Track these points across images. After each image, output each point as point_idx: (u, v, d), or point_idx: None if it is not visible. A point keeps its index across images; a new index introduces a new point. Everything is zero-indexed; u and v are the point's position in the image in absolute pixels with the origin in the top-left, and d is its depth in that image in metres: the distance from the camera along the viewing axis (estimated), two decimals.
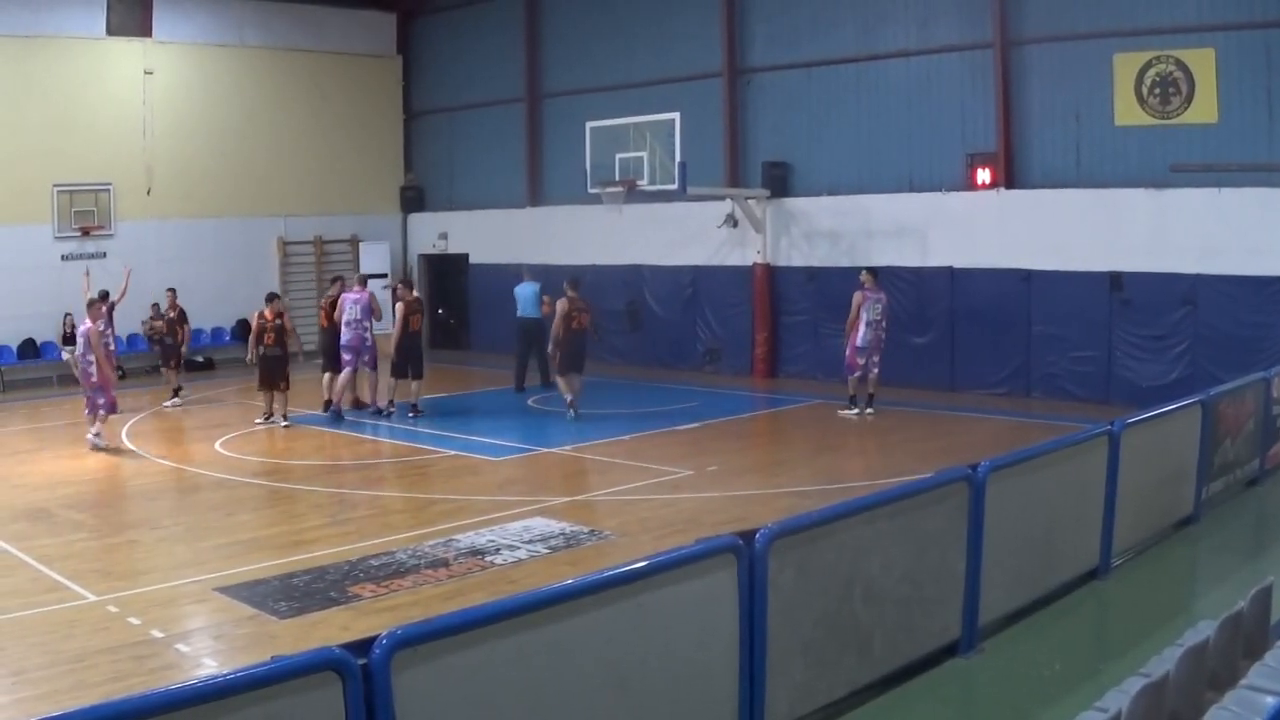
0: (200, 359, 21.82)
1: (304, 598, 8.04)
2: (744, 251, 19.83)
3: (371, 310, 15.97)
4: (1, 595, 8.12)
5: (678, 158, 17.24)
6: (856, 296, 15.36)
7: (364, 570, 8.69)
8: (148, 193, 21.80)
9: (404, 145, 25.92)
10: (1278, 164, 14.35)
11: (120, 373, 17.93)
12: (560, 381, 15.71)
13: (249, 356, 15.76)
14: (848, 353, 15.50)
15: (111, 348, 16.24)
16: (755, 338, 19.62)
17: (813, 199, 19.11)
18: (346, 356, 15.80)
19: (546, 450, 13.77)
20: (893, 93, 18.16)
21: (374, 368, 16.10)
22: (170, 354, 18.04)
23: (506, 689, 4.15)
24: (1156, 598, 7.82)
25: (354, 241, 24.70)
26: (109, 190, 21.40)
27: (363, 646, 3.74)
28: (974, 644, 6.51)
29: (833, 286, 18.01)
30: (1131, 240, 15.64)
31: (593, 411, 15.80)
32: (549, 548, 9.33)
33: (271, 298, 15.93)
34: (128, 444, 14.17)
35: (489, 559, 8.99)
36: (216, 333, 22.86)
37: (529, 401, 17.26)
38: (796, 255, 19.38)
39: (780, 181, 19.38)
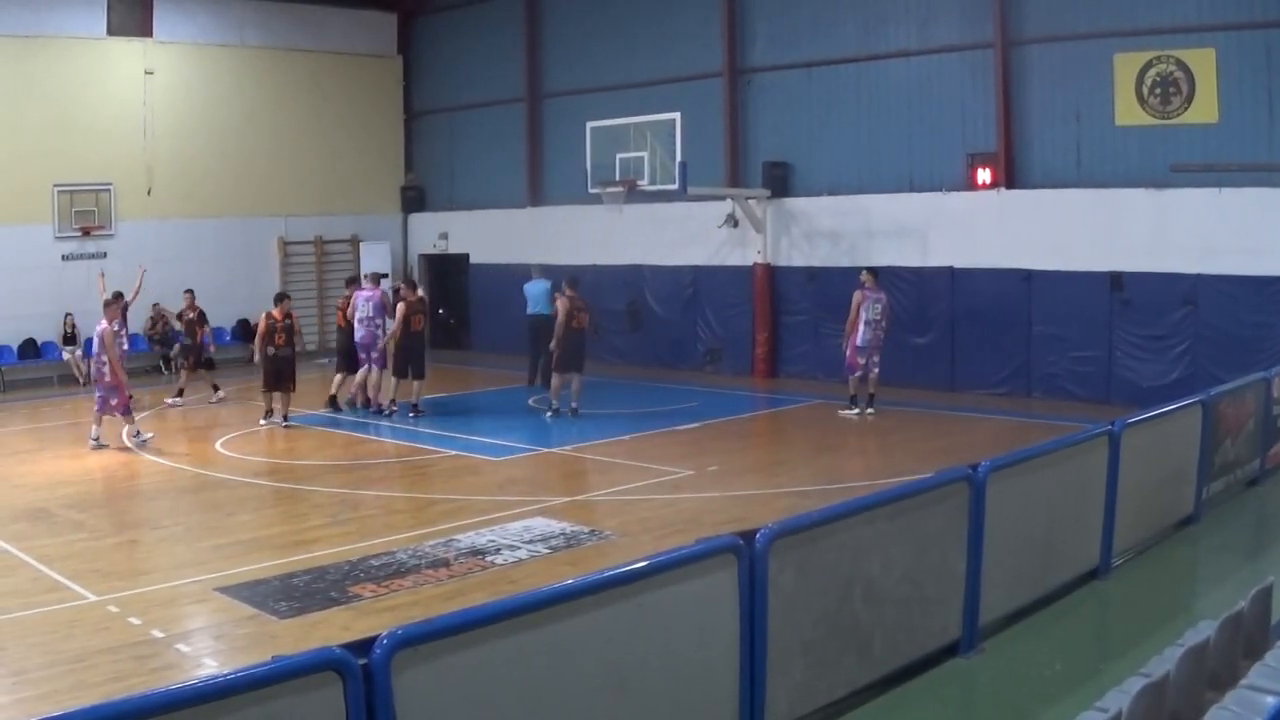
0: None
1: (304, 598, 8.05)
2: (744, 251, 19.83)
3: (384, 307, 16.06)
4: (2, 595, 8.12)
5: (678, 158, 17.25)
6: (856, 296, 15.37)
7: (364, 570, 8.69)
8: (148, 193, 21.80)
9: (404, 145, 25.92)
10: (1278, 164, 14.35)
11: None
12: (554, 380, 15.71)
13: (255, 356, 15.74)
14: (848, 353, 15.50)
15: (125, 348, 16.22)
16: (755, 338, 19.62)
17: (813, 199, 19.11)
18: (362, 355, 16.00)
19: (547, 450, 13.78)
20: (893, 93, 18.16)
21: (383, 365, 16.16)
22: (189, 354, 18.04)
23: (507, 689, 4.15)
24: (1157, 598, 7.82)
25: (354, 241, 24.70)
26: (109, 190, 21.39)
27: (363, 646, 3.74)
28: (974, 644, 6.51)
29: (833, 286, 18.01)
30: (1132, 240, 15.64)
31: (593, 411, 15.80)
32: (549, 548, 9.33)
33: (281, 298, 15.95)
34: (128, 444, 14.17)
35: (489, 559, 8.99)
36: (217, 333, 22.79)
37: (529, 401, 17.26)
38: (797, 255, 19.37)
39: (780, 181, 19.37)
